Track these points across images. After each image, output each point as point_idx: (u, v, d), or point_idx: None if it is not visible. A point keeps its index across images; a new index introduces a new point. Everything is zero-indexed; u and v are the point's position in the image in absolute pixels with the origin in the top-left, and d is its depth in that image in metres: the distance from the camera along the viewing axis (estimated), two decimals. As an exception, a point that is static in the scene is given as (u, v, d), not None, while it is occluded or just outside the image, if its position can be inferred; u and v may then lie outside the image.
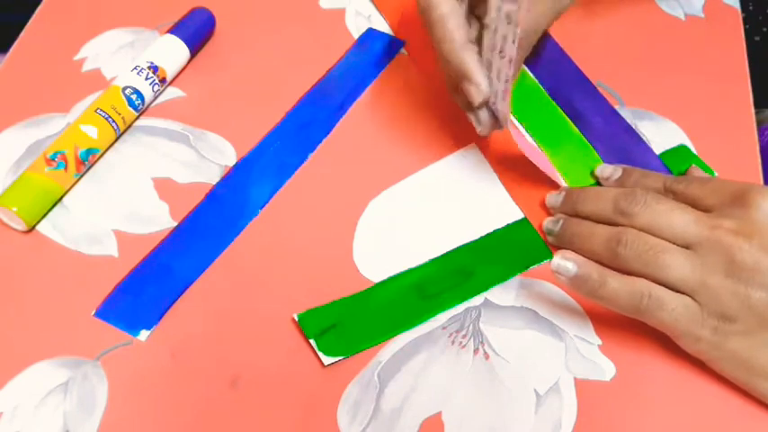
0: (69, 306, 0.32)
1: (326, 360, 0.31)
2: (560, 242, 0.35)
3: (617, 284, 0.30)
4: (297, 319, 0.32)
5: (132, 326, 0.32)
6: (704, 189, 0.32)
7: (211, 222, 0.36)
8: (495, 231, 0.36)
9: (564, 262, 0.31)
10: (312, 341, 0.32)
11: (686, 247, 0.30)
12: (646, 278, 0.30)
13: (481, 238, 0.36)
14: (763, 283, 0.29)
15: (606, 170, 0.37)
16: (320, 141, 0.39)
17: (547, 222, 0.35)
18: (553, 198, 0.36)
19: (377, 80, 0.42)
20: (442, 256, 0.35)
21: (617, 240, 0.31)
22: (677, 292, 0.30)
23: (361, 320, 0.33)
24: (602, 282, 0.30)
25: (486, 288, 0.34)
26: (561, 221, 0.35)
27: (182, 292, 0.33)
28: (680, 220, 0.31)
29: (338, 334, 0.32)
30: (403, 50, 0.43)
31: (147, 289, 0.33)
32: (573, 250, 0.33)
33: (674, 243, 0.31)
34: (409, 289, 0.34)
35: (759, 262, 0.29)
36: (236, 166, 0.38)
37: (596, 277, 0.30)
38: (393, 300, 0.33)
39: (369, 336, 0.32)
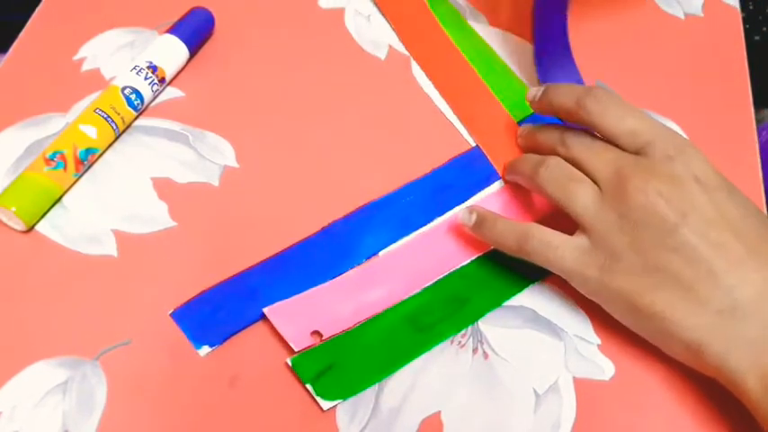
0: (69, 306, 0.32)
1: (326, 405, 0.30)
2: (511, 169, 0.37)
3: (504, 226, 0.33)
4: (290, 364, 0.31)
5: (199, 338, 0.32)
6: (619, 128, 0.33)
7: (313, 259, 0.34)
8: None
9: (468, 214, 0.35)
10: (309, 386, 0.30)
11: (607, 179, 0.32)
12: (556, 203, 0.33)
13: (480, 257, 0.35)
14: (650, 224, 0.30)
15: (531, 92, 0.38)
16: (454, 207, 0.37)
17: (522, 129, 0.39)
18: (533, 93, 0.37)
19: (377, 80, 0.42)
20: (435, 283, 0.34)
21: (541, 162, 0.34)
22: (579, 225, 0.32)
23: (357, 359, 0.31)
24: (493, 224, 0.34)
25: (499, 303, 0.34)
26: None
27: (256, 320, 0.32)
28: (607, 154, 0.32)
29: (335, 375, 0.31)
30: (405, 51, 0.43)
31: (227, 306, 0.32)
32: (515, 173, 0.37)
33: (594, 176, 0.32)
34: (403, 322, 0.33)
35: (653, 206, 0.30)
36: (363, 209, 0.36)
37: (490, 219, 0.34)
38: (389, 333, 0.32)
39: (366, 375, 0.31)
